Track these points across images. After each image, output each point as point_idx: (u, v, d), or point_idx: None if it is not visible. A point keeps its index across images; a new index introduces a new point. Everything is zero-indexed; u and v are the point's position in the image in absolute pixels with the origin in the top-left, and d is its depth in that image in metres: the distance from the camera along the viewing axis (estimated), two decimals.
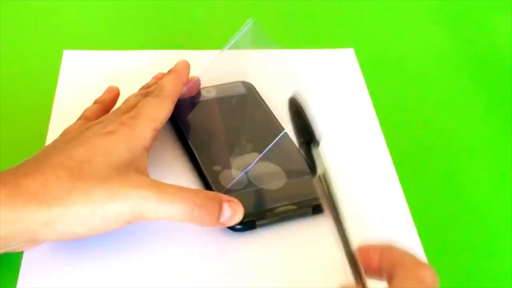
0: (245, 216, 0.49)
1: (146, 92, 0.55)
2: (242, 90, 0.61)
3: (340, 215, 0.40)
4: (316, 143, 0.40)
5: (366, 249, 0.40)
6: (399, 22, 0.74)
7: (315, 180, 0.40)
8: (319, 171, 0.40)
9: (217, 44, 0.60)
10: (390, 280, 0.39)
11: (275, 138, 0.53)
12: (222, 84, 0.61)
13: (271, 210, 0.51)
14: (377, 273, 0.40)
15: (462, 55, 0.70)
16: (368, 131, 0.60)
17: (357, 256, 0.40)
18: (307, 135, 0.41)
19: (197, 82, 0.59)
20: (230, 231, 0.50)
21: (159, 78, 0.58)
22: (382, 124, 0.60)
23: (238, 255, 0.49)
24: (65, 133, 0.51)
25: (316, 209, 0.51)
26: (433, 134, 0.61)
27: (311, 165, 0.40)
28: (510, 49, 0.71)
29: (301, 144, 0.41)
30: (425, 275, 0.39)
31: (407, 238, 0.51)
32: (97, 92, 0.57)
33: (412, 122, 0.62)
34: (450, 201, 0.55)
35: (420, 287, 0.38)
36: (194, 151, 0.54)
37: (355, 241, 0.40)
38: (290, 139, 0.56)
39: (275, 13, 0.73)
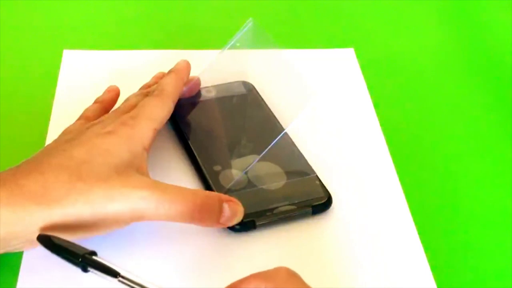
0: (245, 216, 0.49)
1: (146, 92, 0.55)
2: (242, 90, 0.61)
3: None
4: (93, 254, 0.42)
5: None
6: (399, 22, 0.74)
7: (118, 280, 0.41)
8: (121, 273, 0.41)
9: (217, 44, 0.60)
10: None
11: (275, 138, 0.53)
12: (222, 84, 0.61)
13: (271, 210, 0.51)
14: None
15: (462, 54, 0.70)
16: (368, 131, 0.60)
17: None
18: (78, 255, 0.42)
19: (197, 82, 0.59)
20: (230, 231, 0.50)
21: (159, 77, 0.58)
22: (382, 124, 0.60)
23: (238, 255, 0.49)
24: (65, 133, 0.51)
25: (316, 209, 0.52)
26: (433, 134, 0.61)
27: (108, 272, 0.41)
28: (511, 49, 0.71)
29: (83, 261, 0.42)
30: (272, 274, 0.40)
31: (407, 238, 0.51)
32: (97, 92, 0.57)
33: (412, 122, 0.62)
34: (450, 201, 0.55)
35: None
36: (194, 151, 0.54)
37: None
38: (290, 139, 0.56)
39: (275, 13, 0.73)
